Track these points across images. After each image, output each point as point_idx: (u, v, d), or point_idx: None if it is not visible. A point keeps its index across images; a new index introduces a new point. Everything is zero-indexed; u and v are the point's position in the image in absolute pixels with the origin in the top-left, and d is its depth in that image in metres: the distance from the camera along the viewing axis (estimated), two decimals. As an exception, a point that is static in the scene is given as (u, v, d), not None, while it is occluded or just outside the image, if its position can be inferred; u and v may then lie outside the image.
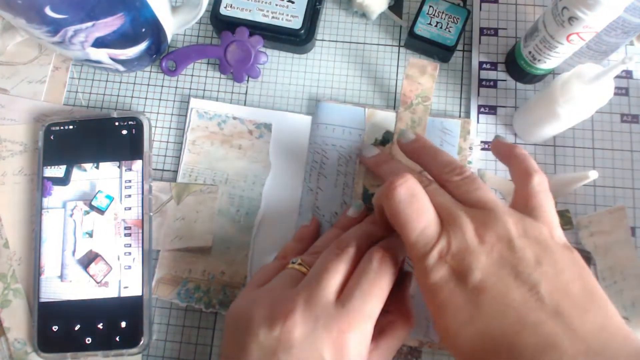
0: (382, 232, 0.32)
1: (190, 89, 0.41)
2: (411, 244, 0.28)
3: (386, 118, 0.39)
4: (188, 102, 0.41)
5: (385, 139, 0.38)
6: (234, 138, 0.40)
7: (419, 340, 0.35)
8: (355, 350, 0.27)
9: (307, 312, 0.27)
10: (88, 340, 0.35)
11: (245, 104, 0.41)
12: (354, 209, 0.35)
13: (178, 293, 0.37)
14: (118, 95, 0.42)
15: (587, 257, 0.36)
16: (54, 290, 0.36)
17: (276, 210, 0.38)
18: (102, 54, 0.36)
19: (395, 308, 0.31)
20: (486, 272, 0.26)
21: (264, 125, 0.40)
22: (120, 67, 0.39)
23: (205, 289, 0.37)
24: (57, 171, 0.38)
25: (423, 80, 0.38)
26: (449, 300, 0.26)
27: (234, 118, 0.40)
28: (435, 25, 0.39)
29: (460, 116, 0.40)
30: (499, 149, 0.32)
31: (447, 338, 0.27)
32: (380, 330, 0.29)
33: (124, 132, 0.39)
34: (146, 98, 0.42)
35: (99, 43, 0.34)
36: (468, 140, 0.38)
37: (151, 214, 0.38)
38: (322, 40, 0.42)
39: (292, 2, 0.40)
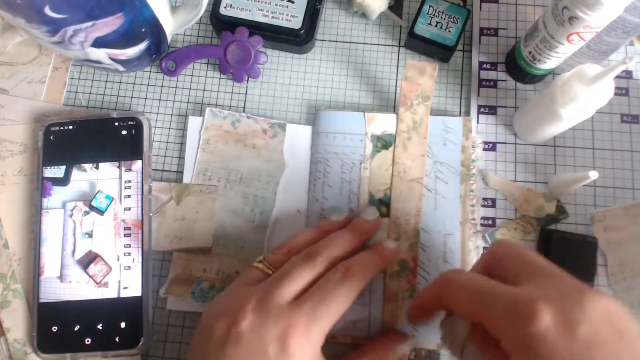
0: (356, 244, 0.33)
1: (190, 89, 0.41)
2: None
3: (387, 121, 0.39)
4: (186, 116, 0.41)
5: (388, 143, 0.38)
6: (248, 137, 0.39)
7: (437, 343, 0.35)
8: (299, 348, 0.27)
9: (258, 309, 0.28)
10: (87, 340, 0.35)
11: (245, 104, 0.41)
12: (338, 213, 0.36)
13: (192, 292, 0.36)
14: (118, 96, 0.42)
15: (594, 244, 0.36)
16: (53, 290, 0.36)
17: (290, 210, 0.38)
18: (101, 54, 0.36)
19: (372, 355, 0.32)
20: None
21: (278, 124, 0.40)
22: (120, 67, 0.39)
23: (220, 288, 0.37)
24: (57, 171, 0.38)
25: (422, 80, 0.38)
26: None
27: (248, 117, 0.40)
28: (435, 25, 0.39)
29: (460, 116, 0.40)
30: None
31: None
32: None
33: (124, 132, 0.39)
34: (146, 98, 0.41)
35: (99, 43, 0.34)
36: (470, 139, 0.38)
37: (151, 214, 0.38)
38: (322, 40, 0.42)
39: (292, 2, 0.40)
